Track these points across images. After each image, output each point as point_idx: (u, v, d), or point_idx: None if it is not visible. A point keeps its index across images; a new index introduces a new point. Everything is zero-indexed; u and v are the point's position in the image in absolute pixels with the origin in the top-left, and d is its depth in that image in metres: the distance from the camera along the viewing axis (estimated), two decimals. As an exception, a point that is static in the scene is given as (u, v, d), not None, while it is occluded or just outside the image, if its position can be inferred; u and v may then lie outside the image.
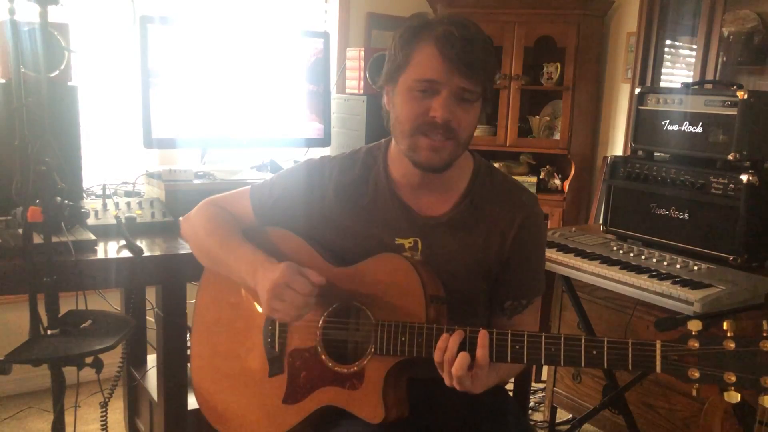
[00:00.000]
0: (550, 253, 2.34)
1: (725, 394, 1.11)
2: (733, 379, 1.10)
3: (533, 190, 3.97)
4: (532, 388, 2.99)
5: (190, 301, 1.66)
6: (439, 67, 1.29)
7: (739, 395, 1.10)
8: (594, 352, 1.19)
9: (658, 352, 1.15)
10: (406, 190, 1.44)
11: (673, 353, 1.14)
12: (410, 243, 1.42)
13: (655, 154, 2.45)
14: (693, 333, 1.14)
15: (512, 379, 2.10)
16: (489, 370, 1.24)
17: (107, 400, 2.02)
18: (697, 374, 1.12)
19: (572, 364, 1.21)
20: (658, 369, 1.15)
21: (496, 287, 1.47)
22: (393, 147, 1.45)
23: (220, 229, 1.50)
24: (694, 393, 1.13)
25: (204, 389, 1.55)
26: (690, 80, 3.38)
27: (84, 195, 2.07)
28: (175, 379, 1.87)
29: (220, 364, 1.53)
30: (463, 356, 1.22)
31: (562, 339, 1.21)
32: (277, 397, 1.43)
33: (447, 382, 1.26)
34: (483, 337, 1.22)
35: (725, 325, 1.12)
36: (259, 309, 1.47)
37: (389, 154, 1.46)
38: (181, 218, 1.64)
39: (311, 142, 2.44)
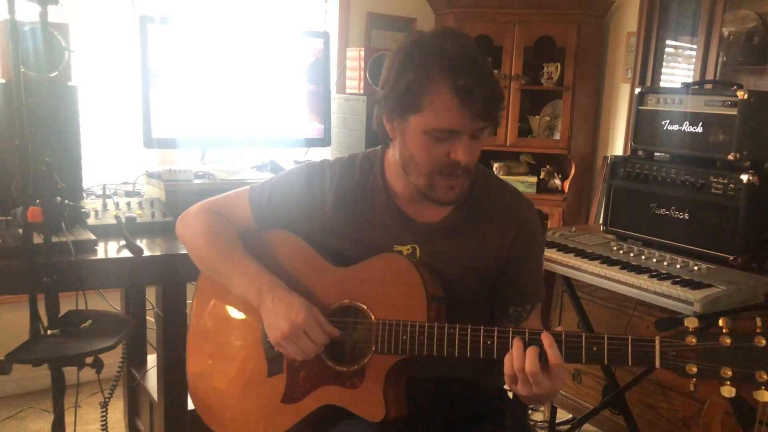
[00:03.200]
0: (550, 253, 2.34)
1: (721, 388, 1.13)
2: (729, 373, 1.12)
3: (533, 190, 3.97)
4: (532, 388, 2.99)
5: (190, 301, 1.66)
6: (459, 117, 1.26)
7: (735, 390, 1.12)
8: (594, 348, 1.20)
9: (657, 347, 1.17)
10: (404, 200, 1.44)
11: (672, 349, 1.16)
12: (408, 250, 1.42)
13: (655, 154, 2.45)
14: (690, 329, 1.16)
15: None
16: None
17: (107, 400, 2.02)
18: (694, 369, 1.15)
19: (573, 361, 1.22)
20: (657, 364, 1.16)
21: (498, 294, 1.46)
22: (390, 157, 1.44)
23: (221, 240, 1.49)
24: (691, 388, 1.16)
25: (200, 389, 1.54)
26: (690, 80, 3.37)
27: (84, 195, 2.07)
28: (175, 379, 1.87)
29: (217, 363, 1.52)
30: (532, 350, 1.20)
31: (563, 336, 1.22)
32: (276, 396, 1.43)
33: (523, 391, 1.22)
34: (546, 337, 1.21)
35: (721, 322, 1.15)
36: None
37: (386, 164, 1.46)
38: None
39: (311, 142, 2.44)
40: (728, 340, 1.13)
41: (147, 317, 2.45)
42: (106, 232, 1.81)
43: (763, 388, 1.10)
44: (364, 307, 1.36)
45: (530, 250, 1.46)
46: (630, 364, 1.19)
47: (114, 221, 1.85)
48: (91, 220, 1.83)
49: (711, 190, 2.17)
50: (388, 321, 1.32)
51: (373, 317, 1.35)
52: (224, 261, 1.46)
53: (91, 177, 2.24)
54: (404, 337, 1.30)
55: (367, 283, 1.37)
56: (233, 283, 1.45)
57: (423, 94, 1.27)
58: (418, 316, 1.31)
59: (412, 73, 1.27)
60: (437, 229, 1.43)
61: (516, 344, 1.22)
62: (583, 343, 1.20)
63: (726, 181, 2.13)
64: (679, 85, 2.52)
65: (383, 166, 1.46)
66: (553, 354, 1.20)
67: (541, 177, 4.06)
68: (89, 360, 1.48)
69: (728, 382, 1.13)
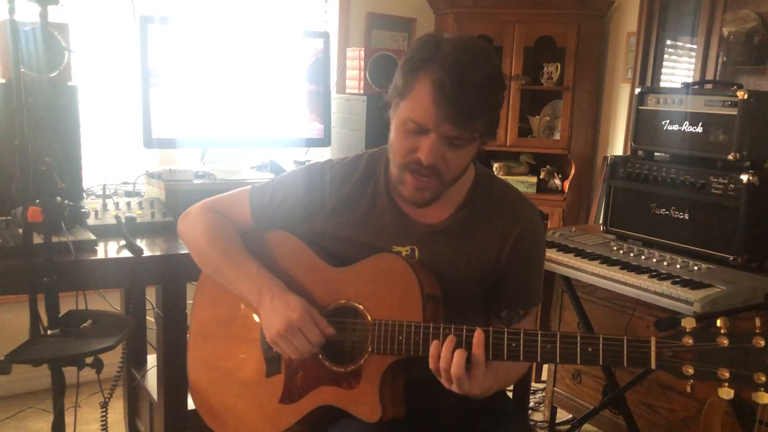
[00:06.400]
0: (550, 253, 2.34)
1: (719, 390, 1.12)
2: (727, 375, 1.11)
3: (533, 190, 3.97)
4: (532, 388, 2.99)
5: (190, 301, 1.66)
6: (429, 113, 1.25)
7: (733, 391, 1.11)
8: (589, 349, 1.19)
9: (653, 348, 1.15)
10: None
11: (668, 350, 1.15)
12: (407, 251, 1.42)
13: (655, 154, 2.45)
14: (687, 330, 1.15)
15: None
16: (487, 371, 1.23)
17: (107, 400, 2.02)
18: (691, 370, 1.13)
19: (568, 362, 1.21)
20: (653, 365, 1.15)
21: (493, 296, 1.46)
22: None
23: (222, 239, 1.49)
24: (688, 389, 1.14)
25: (201, 390, 1.55)
26: (690, 80, 3.37)
27: (84, 195, 2.07)
28: (175, 379, 1.87)
29: (217, 364, 1.52)
30: (460, 354, 1.21)
31: (558, 336, 1.21)
32: (274, 397, 1.43)
33: (447, 386, 1.25)
34: (479, 335, 1.22)
35: (719, 322, 1.13)
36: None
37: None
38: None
39: (311, 142, 2.44)
40: (726, 341, 1.12)
41: (147, 317, 2.45)
42: (106, 232, 1.81)
43: (762, 390, 1.09)
44: (361, 307, 1.36)
45: (530, 254, 1.45)
46: (625, 365, 1.18)
47: (114, 221, 1.85)
48: (91, 220, 1.84)
49: (711, 190, 2.18)
50: (383, 321, 1.32)
51: (369, 317, 1.35)
52: (225, 261, 1.46)
53: (91, 177, 2.24)
54: (400, 338, 1.30)
55: (363, 284, 1.37)
56: (234, 282, 1.45)
57: (411, 81, 1.28)
58: (414, 316, 1.30)
59: (413, 60, 1.29)
60: (437, 231, 1.42)
61: (445, 349, 1.23)
62: (578, 344, 1.20)
63: (726, 181, 2.13)
64: (679, 85, 2.52)
65: (388, 166, 1.46)
66: (477, 354, 1.21)
67: (541, 177, 4.06)
68: (89, 360, 1.48)
69: (726, 384, 1.11)
